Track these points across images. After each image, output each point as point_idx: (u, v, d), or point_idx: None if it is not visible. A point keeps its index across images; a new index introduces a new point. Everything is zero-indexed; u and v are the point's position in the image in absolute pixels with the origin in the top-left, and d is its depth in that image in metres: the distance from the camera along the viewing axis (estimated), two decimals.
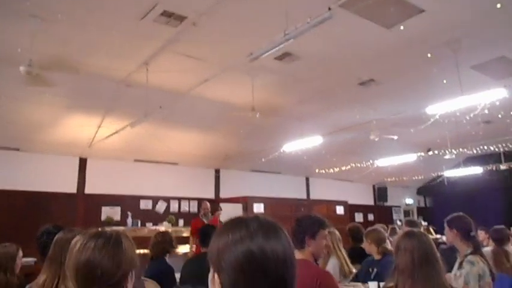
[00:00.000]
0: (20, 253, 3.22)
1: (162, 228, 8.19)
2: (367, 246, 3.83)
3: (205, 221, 7.44)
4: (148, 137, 8.70)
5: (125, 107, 7.21)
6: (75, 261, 1.35)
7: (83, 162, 9.27)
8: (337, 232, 4.04)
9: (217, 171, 11.50)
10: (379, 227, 4.12)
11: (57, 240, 1.96)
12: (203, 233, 3.82)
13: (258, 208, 10.37)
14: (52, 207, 8.54)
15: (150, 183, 10.08)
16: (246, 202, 10.33)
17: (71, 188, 9.00)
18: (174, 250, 4.15)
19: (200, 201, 10.75)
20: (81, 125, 7.72)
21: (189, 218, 10.20)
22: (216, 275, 0.98)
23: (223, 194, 11.29)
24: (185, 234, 8.42)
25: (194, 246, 6.96)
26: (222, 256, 0.96)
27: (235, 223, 1.02)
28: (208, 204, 7.72)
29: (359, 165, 11.26)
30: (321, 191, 13.24)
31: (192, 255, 6.31)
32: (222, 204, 8.73)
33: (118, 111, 7.41)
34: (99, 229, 1.46)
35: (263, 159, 10.19)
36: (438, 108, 5.94)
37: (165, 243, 3.89)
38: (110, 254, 1.36)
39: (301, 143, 8.61)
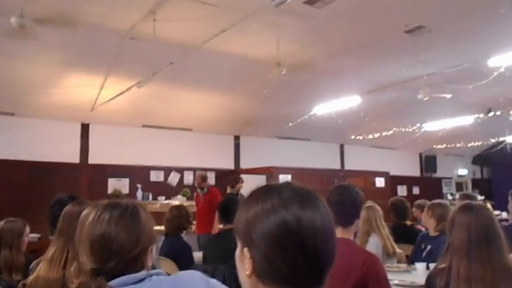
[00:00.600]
0: (27, 229, 3.38)
1: (175, 202, 8.41)
2: (426, 219, 3.84)
3: (201, 195, 7.54)
4: (158, 99, 8.78)
5: (130, 64, 7.25)
6: (89, 235, 1.39)
7: (85, 129, 9.50)
8: (378, 207, 4.05)
9: (236, 138, 11.59)
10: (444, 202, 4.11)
11: (65, 213, 2.06)
12: (225, 208, 3.91)
13: (285, 180, 10.50)
14: (52, 179, 8.87)
15: (161, 152, 10.28)
16: (271, 173, 10.42)
17: (73, 157, 9.31)
18: (191, 226, 4.25)
19: (218, 172, 10.96)
20: (82, 85, 7.85)
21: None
22: (245, 250, 1.00)
23: (244, 164, 11.43)
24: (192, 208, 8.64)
25: (193, 226, 7.07)
26: (253, 228, 0.98)
27: (265, 191, 1.03)
28: (202, 174, 7.76)
29: (403, 129, 11.10)
30: (358, 161, 13.24)
31: (214, 233, 6.49)
32: (243, 176, 8.86)
33: (122, 69, 7.47)
34: (113, 200, 1.50)
35: (290, 124, 10.17)
36: (503, 60, 5.71)
37: (181, 218, 4.00)
38: (127, 227, 1.39)
39: (335, 104, 8.54)
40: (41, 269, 1.94)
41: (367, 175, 12.36)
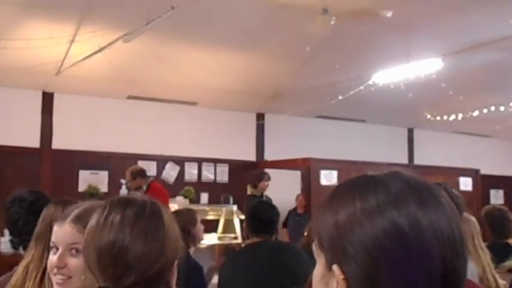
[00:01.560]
0: None
1: (174, 206, 8.51)
2: None
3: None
4: (151, 59, 8.81)
5: (112, 9, 7.28)
6: (95, 243, 1.42)
7: (47, 100, 9.63)
8: (475, 220, 4.00)
9: (260, 117, 11.63)
10: None
11: (45, 215, 2.14)
12: (256, 216, 4.04)
13: (327, 177, 10.49)
14: (2, 170, 9.04)
15: (154, 136, 10.40)
16: (308, 167, 10.44)
17: (31, 140, 9.46)
18: (201, 239, 4.31)
19: (233, 165, 11.06)
20: (43, 37, 7.92)
21: (216, 190, 10.54)
22: (335, 268, 1.00)
23: (270, 155, 11.49)
24: (211, 217, 8.76)
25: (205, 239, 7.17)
26: (347, 235, 0.99)
27: (363, 183, 1.05)
28: (132, 169, 7.78)
29: (503, 109, 10.94)
30: (434, 152, 13.19)
31: (238, 248, 6.74)
32: (268, 171, 8.91)
33: (101, 15, 7.50)
34: (124, 196, 1.55)
35: (339, 98, 10.13)
36: None
37: (188, 228, 4.04)
38: (147, 232, 1.43)
39: (405, 71, 8.45)
40: (12, 285, 2.02)
41: (447, 173, 12.22)
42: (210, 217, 8.84)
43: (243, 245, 6.99)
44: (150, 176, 8.25)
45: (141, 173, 7.83)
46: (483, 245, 4.00)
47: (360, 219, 0.99)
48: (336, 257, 1.01)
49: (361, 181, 1.06)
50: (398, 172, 1.06)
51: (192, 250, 4.23)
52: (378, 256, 0.96)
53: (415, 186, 1.02)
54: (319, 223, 1.06)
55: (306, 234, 4.95)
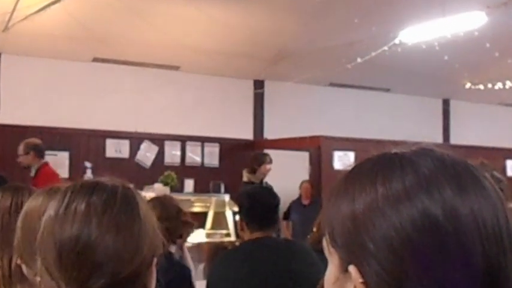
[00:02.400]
0: None
1: (151, 194, 8.53)
2: None
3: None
4: (122, 12, 8.76)
5: None
6: (54, 238, 1.40)
7: None
8: None
9: (259, 85, 11.63)
10: None
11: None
12: (254, 200, 3.99)
13: (342, 160, 10.55)
14: None
15: (125, 108, 10.39)
16: (318, 148, 10.48)
17: None
18: (192, 230, 4.37)
19: (225, 144, 11.05)
20: None
21: (203, 176, 10.56)
22: (351, 268, 1.01)
23: (270, 132, 11.53)
24: (198, 209, 8.78)
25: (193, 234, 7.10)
26: (367, 229, 1.00)
27: (386, 163, 1.06)
28: (30, 142, 7.44)
29: None
30: (475, 128, 13.24)
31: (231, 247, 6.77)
32: (269, 152, 8.92)
33: None
34: (89, 179, 1.54)
35: (358, 60, 10.11)
36: None
37: (171, 220, 4.05)
38: (119, 224, 1.42)
39: (439, 27, 8.43)
40: None
41: (491, 155, 12.23)
42: (197, 209, 8.86)
43: (237, 244, 7.02)
44: (45, 160, 7.61)
45: (37, 148, 7.48)
46: None
47: (382, 208, 0.99)
48: (352, 255, 1.02)
49: (383, 160, 1.06)
50: (429, 149, 1.06)
51: (173, 249, 4.21)
52: (405, 254, 0.96)
53: (452, 166, 1.02)
54: (332, 214, 1.07)
55: (314, 229, 4.97)
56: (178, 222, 4.16)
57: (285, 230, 9.76)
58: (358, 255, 1.01)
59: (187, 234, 4.48)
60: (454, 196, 0.97)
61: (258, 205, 3.93)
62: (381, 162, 1.05)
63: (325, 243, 1.09)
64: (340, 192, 1.07)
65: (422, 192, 0.98)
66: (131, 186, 1.55)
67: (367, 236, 0.99)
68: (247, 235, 4.01)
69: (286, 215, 9.91)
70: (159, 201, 4.31)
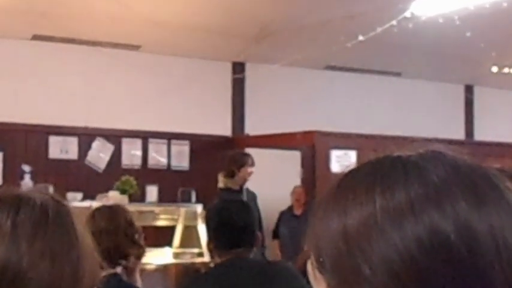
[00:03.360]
0: None
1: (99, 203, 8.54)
2: None
3: None
4: None
5: None
6: None
7: None
8: None
9: (238, 69, 11.69)
10: None
11: None
12: (221, 223, 4.04)
13: (342, 161, 10.55)
14: None
15: (75, 98, 10.39)
16: (312, 146, 10.50)
17: None
18: (142, 254, 4.35)
19: (196, 142, 11.07)
20: None
21: (170, 182, 10.58)
22: None
23: (253, 127, 11.59)
24: (164, 222, 8.79)
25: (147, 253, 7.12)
26: (362, 250, 0.99)
27: (388, 169, 1.05)
28: None
29: None
30: (504, 121, 13.32)
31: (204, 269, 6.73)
32: (252, 152, 9.01)
33: None
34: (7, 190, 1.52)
35: (360, 38, 10.11)
36: None
37: (118, 236, 4.08)
38: (54, 249, 1.43)
39: None
40: None
41: None
42: (162, 223, 8.88)
43: (211, 265, 7.10)
44: None
45: None
46: None
47: (381, 223, 0.97)
48: (344, 282, 1.01)
49: (383, 165, 1.05)
50: (440, 152, 1.06)
51: (119, 269, 4.18)
52: (408, 280, 0.95)
53: (468, 173, 1.02)
54: (319, 231, 1.06)
55: (306, 247, 5.00)
56: (125, 240, 4.19)
57: (275, 250, 9.74)
58: (350, 282, 1.00)
59: (137, 257, 4.32)
60: (470, 210, 0.97)
61: (225, 224, 3.99)
62: (381, 168, 1.05)
63: (309, 266, 1.08)
64: (330, 204, 1.06)
65: (430, 205, 0.97)
66: (63, 201, 1.54)
67: (362, 258, 0.98)
68: (217, 257, 4.04)
69: (276, 233, 9.96)
70: (107, 211, 4.30)
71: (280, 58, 11.10)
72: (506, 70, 11.95)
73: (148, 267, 7.06)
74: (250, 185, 8.55)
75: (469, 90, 13.59)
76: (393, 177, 1.01)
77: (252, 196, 8.46)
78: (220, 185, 8.46)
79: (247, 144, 10.60)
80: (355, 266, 0.98)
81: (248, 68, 11.74)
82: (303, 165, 10.74)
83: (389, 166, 1.04)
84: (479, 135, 13.31)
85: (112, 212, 4.32)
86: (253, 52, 11.23)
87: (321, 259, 1.04)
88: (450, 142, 12.17)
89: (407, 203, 0.97)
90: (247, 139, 11.32)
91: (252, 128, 11.63)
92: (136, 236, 4.26)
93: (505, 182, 1.03)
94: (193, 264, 8.32)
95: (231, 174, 8.32)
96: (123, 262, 4.17)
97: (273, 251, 9.51)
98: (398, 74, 12.64)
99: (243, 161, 8.37)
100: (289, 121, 11.02)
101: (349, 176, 1.08)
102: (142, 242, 4.32)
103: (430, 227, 0.95)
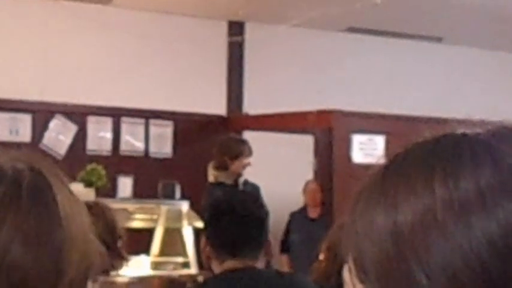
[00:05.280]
0: None
1: None
2: None
3: None
4: None
5: None
6: None
7: None
8: None
9: (235, 30, 11.71)
10: None
11: None
12: (222, 216, 4.00)
13: (366, 148, 10.59)
14: None
15: (26, 62, 10.40)
16: (329, 128, 10.52)
17: None
18: (122, 265, 4.34)
19: (182, 122, 11.08)
20: None
21: (148, 172, 10.60)
22: None
23: (254, 103, 11.61)
24: (140, 223, 8.81)
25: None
26: (416, 252, 0.98)
27: (450, 152, 1.03)
28: None
29: None
30: None
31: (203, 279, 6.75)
32: (252, 135, 9.04)
33: None
34: None
35: None
36: None
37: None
38: (29, 230, 1.43)
39: None
40: None
41: None
42: (137, 224, 8.91)
43: (200, 279, 7.03)
44: None
45: None
46: None
47: (443, 220, 0.96)
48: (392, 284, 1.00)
49: (444, 146, 1.04)
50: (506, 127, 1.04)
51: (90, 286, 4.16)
52: (475, 281, 0.94)
53: None
54: (361, 229, 1.05)
55: (321, 256, 4.95)
56: (110, 249, 4.14)
57: (283, 266, 9.67)
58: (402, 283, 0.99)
59: (115, 268, 4.38)
60: None
61: (228, 220, 3.91)
62: (441, 149, 1.03)
63: (346, 274, 1.08)
64: (375, 195, 1.05)
65: (506, 197, 0.95)
66: (46, 172, 1.52)
67: (416, 263, 0.97)
68: (216, 266, 3.98)
69: (285, 244, 9.92)
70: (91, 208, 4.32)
71: (289, 17, 11.16)
72: None
73: (119, 279, 7.03)
74: (250, 177, 8.57)
75: None
76: (458, 161, 1.00)
77: (254, 191, 8.44)
78: (211, 178, 8.49)
79: (245, 126, 10.69)
80: (407, 273, 0.97)
81: (248, 28, 11.76)
82: (316, 153, 10.73)
83: (452, 147, 1.02)
84: None
85: (94, 212, 4.21)
86: (254, 9, 11.29)
87: (362, 265, 1.03)
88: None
89: (476, 194, 0.96)
90: (245, 119, 11.40)
91: (252, 106, 11.62)
92: (119, 244, 4.29)
93: None
94: (177, 276, 8.31)
95: (223, 166, 8.33)
96: (101, 278, 4.16)
97: (280, 266, 9.40)
98: (439, 40, 12.67)
99: (238, 149, 8.34)
100: (300, 97, 11.10)
101: (399, 159, 1.07)
102: (123, 254, 4.35)
103: (506, 225, 0.94)
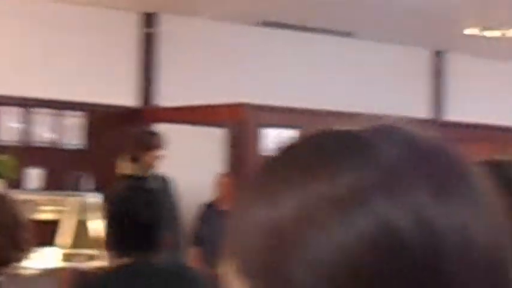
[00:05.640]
0: None
1: None
2: None
3: None
4: None
5: None
6: None
7: None
8: None
9: (149, 21, 11.69)
10: None
11: None
12: (122, 217, 4.04)
13: (276, 139, 10.56)
14: None
15: None
16: (241, 121, 10.54)
17: None
18: (24, 257, 4.34)
19: (94, 113, 11.03)
20: None
21: (58, 164, 10.52)
22: None
23: (167, 96, 11.62)
24: (49, 215, 8.75)
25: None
26: (294, 248, 0.96)
27: (329, 148, 1.02)
28: None
29: None
30: (481, 98, 13.51)
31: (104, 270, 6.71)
32: (165, 128, 9.16)
33: None
34: None
35: None
36: None
37: (3, 235, 4.07)
38: None
39: None
40: None
41: (502, 137, 12.43)
42: (46, 216, 8.84)
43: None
44: None
45: None
46: None
47: (320, 215, 0.95)
48: (263, 283, 0.99)
49: (326, 142, 1.02)
50: (397, 127, 1.05)
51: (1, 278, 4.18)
52: (351, 287, 0.95)
53: (430, 156, 1.02)
54: (241, 226, 1.05)
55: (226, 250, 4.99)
56: (9, 242, 4.19)
57: (196, 259, 9.51)
58: (271, 283, 0.98)
59: (17, 260, 4.26)
60: (431, 201, 0.96)
61: (125, 219, 3.97)
62: (322, 145, 1.02)
63: (228, 271, 1.05)
64: (256, 191, 1.03)
65: (383, 194, 0.95)
66: None
67: (295, 258, 0.95)
68: (114, 259, 4.03)
69: (197, 237, 9.91)
70: None
71: (204, 9, 11.18)
72: (483, 33, 12.16)
73: (27, 272, 7.00)
74: (165, 169, 8.61)
75: (437, 56, 13.79)
76: (337, 157, 0.98)
77: (166, 184, 8.46)
78: (121, 171, 8.50)
79: (158, 118, 10.66)
80: (286, 268, 0.96)
81: (162, 20, 11.71)
82: (228, 146, 10.73)
83: (332, 143, 1.01)
84: (450, 114, 13.55)
85: None
86: (169, 0, 11.29)
87: (244, 262, 1.01)
88: (413, 120, 12.38)
89: (354, 190, 0.95)
90: (159, 112, 11.38)
91: (165, 98, 11.61)
92: (24, 236, 4.23)
93: (476, 168, 1.05)
94: (85, 268, 8.29)
95: (134, 159, 8.35)
96: (5, 270, 4.20)
97: (192, 261, 9.36)
98: (348, 34, 12.71)
99: (151, 142, 8.38)
100: (213, 90, 11.12)
101: (281, 155, 1.04)
102: (28, 243, 4.28)
103: (381, 221, 0.93)
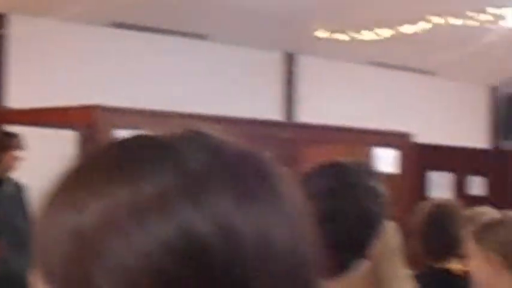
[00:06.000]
0: None
1: None
2: (476, 262, 4.27)
3: None
4: None
5: None
6: None
7: None
8: (393, 229, 4.28)
9: None
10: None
11: None
12: None
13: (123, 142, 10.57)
14: None
15: None
16: (92, 124, 10.49)
17: None
18: None
19: None
20: None
21: None
22: None
23: (15, 99, 11.48)
24: None
25: None
26: (96, 254, 0.98)
27: (134, 154, 1.06)
28: None
29: (458, 22, 11.44)
30: (331, 99, 13.69)
31: None
32: (18, 131, 9.09)
33: None
34: None
35: None
36: None
37: None
38: None
39: None
40: None
41: (353, 140, 12.67)
42: None
43: None
44: None
45: None
46: (405, 274, 4.31)
47: (122, 222, 0.98)
48: None
49: (131, 147, 1.07)
50: (202, 133, 1.08)
51: None
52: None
53: (233, 161, 1.04)
54: (44, 232, 1.05)
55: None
56: None
57: None
58: None
59: None
60: (232, 207, 0.99)
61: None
62: (127, 150, 1.06)
63: (34, 280, 1.05)
64: (60, 196, 1.05)
65: (184, 200, 0.98)
66: None
67: (97, 266, 0.97)
68: None
69: None
70: None
71: (53, 10, 11.06)
72: (335, 36, 12.35)
73: None
74: (14, 175, 8.50)
75: (288, 59, 13.88)
76: (140, 163, 1.02)
77: (18, 189, 8.37)
78: None
79: (8, 120, 10.44)
80: (88, 276, 0.97)
81: (12, 21, 11.53)
82: (80, 149, 10.63)
83: (138, 149, 1.05)
84: (300, 116, 13.69)
85: None
86: (19, 1, 11.16)
87: (48, 267, 1.02)
88: (263, 123, 12.51)
89: (155, 196, 0.97)
90: (8, 114, 11.16)
91: (15, 100, 11.43)
92: None
93: (282, 171, 1.08)
94: None
95: None
96: None
97: None
98: (202, 37, 12.77)
99: (6, 142, 8.31)
100: (66, 92, 11.04)
101: (87, 159, 1.09)
102: None
103: (182, 227, 0.96)
